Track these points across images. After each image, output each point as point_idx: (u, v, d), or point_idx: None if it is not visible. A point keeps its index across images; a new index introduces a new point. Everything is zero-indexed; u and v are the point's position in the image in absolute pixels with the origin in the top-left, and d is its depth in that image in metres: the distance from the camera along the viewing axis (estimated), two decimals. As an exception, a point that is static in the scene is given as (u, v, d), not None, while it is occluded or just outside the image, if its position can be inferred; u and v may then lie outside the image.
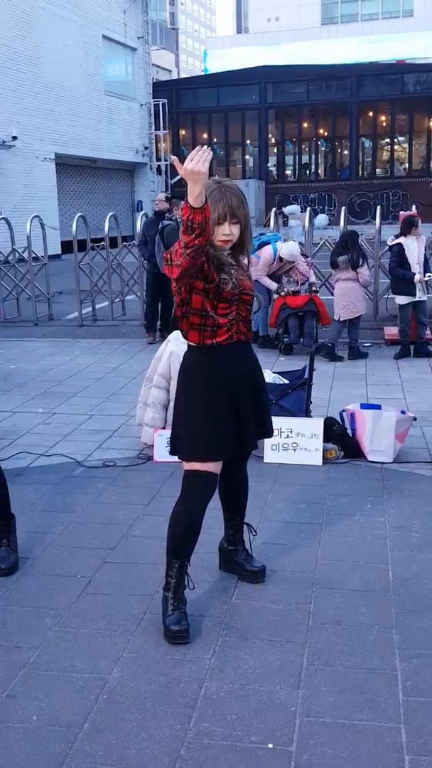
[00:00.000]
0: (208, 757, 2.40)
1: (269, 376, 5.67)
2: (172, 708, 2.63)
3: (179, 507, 3.13)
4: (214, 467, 3.08)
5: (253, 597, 3.36)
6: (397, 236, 8.54)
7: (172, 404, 5.35)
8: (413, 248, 8.37)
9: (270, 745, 2.44)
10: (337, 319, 8.50)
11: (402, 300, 8.42)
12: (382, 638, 3.02)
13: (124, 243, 12.44)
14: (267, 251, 8.70)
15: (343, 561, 3.56)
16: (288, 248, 8.63)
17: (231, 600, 3.34)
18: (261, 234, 9.31)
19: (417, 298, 8.36)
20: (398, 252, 8.38)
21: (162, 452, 5.09)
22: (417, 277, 8.31)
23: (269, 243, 8.79)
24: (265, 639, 3.04)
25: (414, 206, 12.12)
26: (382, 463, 5.04)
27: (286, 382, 5.70)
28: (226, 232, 2.94)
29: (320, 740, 2.46)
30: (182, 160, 2.61)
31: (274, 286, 8.74)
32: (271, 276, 8.75)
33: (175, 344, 5.46)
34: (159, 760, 2.39)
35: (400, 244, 8.40)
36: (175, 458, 3.19)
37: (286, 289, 8.68)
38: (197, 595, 3.37)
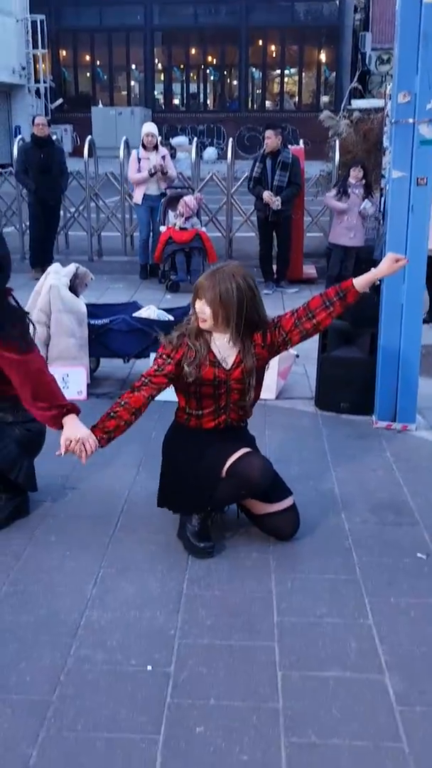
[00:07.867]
0: (88, 681, 2.53)
1: (154, 313, 5.72)
2: (53, 638, 2.73)
3: None
4: None
5: (135, 529, 3.48)
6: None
7: (52, 341, 5.33)
8: None
9: (149, 668, 2.59)
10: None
11: None
12: (258, 563, 3.22)
13: (1, 170, 12.00)
14: (132, 154, 9.47)
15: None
16: (146, 125, 9.63)
17: (114, 532, 3.45)
18: None
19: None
20: None
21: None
22: None
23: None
24: (147, 569, 3.18)
25: (302, 142, 12.24)
26: (265, 399, 5.23)
27: (172, 318, 5.76)
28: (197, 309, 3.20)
29: (198, 660, 2.63)
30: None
31: (138, 176, 9.21)
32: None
33: (55, 278, 5.41)
34: (39, 686, 2.49)
35: None
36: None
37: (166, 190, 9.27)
38: (77, 529, 3.47)
